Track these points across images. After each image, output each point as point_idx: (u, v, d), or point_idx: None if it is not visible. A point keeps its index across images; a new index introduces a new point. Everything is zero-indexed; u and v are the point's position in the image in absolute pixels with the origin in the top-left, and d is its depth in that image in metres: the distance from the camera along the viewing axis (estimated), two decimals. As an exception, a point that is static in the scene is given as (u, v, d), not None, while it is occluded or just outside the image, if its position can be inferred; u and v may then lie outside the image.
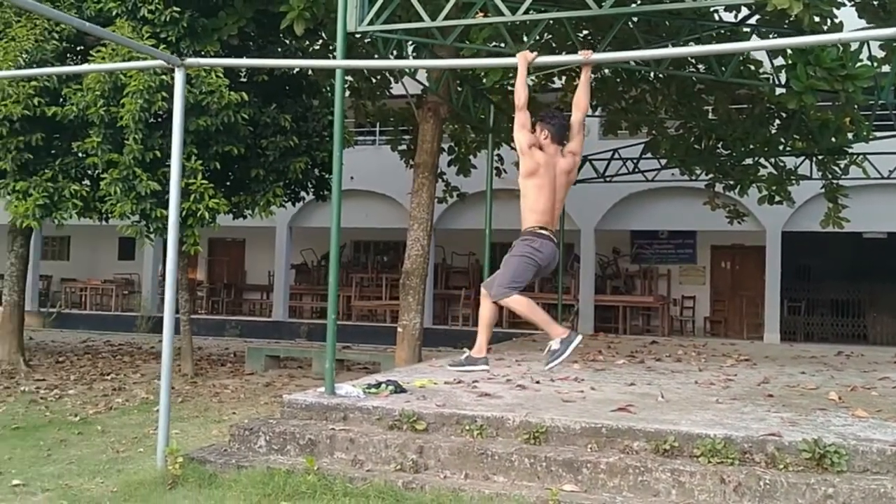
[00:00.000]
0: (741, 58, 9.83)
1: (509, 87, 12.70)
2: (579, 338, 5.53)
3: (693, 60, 11.00)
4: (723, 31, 9.67)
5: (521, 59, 5.54)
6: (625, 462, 5.25)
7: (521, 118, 5.51)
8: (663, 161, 15.10)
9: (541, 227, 5.55)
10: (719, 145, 14.02)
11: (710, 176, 15.12)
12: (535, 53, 5.69)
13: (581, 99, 5.61)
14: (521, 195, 5.61)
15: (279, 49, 12.01)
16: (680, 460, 5.28)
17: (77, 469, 6.30)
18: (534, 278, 5.78)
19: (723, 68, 9.44)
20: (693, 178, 15.29)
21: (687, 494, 5.07)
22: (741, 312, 19.19)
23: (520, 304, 5.56)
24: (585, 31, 10.67)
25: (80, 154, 10.65)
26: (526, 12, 7.09)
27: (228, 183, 11.78)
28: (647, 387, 7.57)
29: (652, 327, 18.86)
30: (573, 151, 5.72)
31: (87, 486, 5.78)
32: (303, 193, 13.15)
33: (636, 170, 15.63)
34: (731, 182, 15.06)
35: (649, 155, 14.95)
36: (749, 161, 14.14)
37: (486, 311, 5.80)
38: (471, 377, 7.33)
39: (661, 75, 11.67)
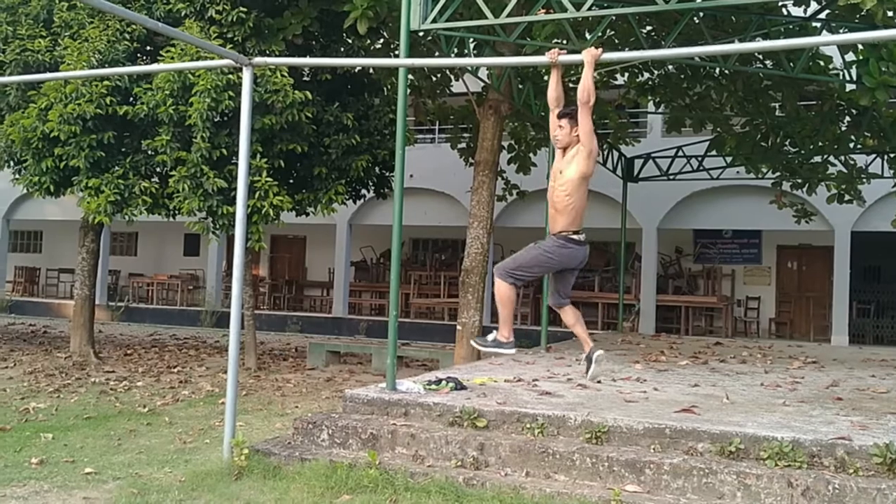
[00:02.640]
0: (810, 53, 9.60)
1: (571, 84, 12.63)
2: (512, 351, 5.77)
3: (760, 56, 10.77)
4: (791, 27, 9.45)
5: (589, 56, 5.50)
6: (689, 463, 5.17)
7: (590, 122, 5.51)
8: (728, 159, 14.83)
9: (576, 232, 5.66)
10: (787, 143, 13.71)
11: (777, 174, 14.80)
12: (601, 50, 5.65)
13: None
14: (567, 191, 5.62)
15: (342, 48, 12.15)
16: (746, 463, 5.19)
17: (146, 459, 6.47)
18: (540, 275, 5.84)
19: (791, 64, 9.23)
20: (759, 176, 14.98)
21: (753, 498, 4.97)
22: (808, 314, 18.74)
23: (502, 291, 5.59)
24: (649, 27, 10.55)
25: (149, 152, 10.92)
26: (590, 8, 7.03)
27: (292, 181, 11.96)
28: (711, 388, 7.45)
29: (715, 328, 18.53)
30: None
31: (156, 476, 5.93)
32: (363, 191, 13.28)
33: (700, 168, 15.39)
34: (799, 180, 14.73)
35: (714, 152, 14.69)
36: (818, 159, 13.80)
37: (500, 290, 5.74)
38: (530, 375, 7.32)
39: (727, 71, 11.46)
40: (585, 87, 5.50)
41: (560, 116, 5.72)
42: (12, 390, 9.66)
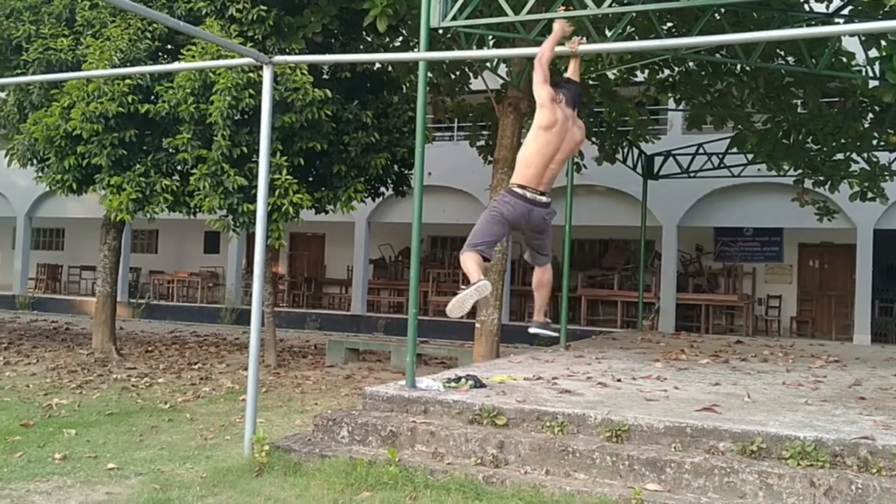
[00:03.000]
0: (833, 49, 9.51)
1: (591, 81, 12.59)
2: (485, 282, 5.19)
3: (782, 52, 10.68)
4: (813, 23, 9.37)
5: (558, 26, 5.50)
6: (710, 463, 5.15)
7: (544, 73, 5.34)
8: (750, 156, 14.71)
9: (519, 186, 5.29)
10: (809, 140, 13.59)
11: (799, 171, 14.68)
12: (573, 27, 5.63)
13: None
14: (525, 144, 5.37)
15: (361, 46, 12.17)
16: (768, 462, 5.16)
17: (168, 455, 6.52)
18: (508, 234, 5.57)
19: (814, 60, 9.14)
20: (781, 173, 14.86)
21: (775, 497, 4.94)
22: (829, 312, 18.56)
23: (465, 259, 5.32)
24: (670, 24, 10.48)
25: (170, 150, 10.99)
26: (610, 5, 7.00)
27: (311, 178, 12.00)
28: (732, 387, 7.41)
29: (735, 327, 18.41)
30: (581, 127, 5.57)
31: (177, 472, 5.97)
32: (382, 189, 13.30)
33: (721, 165, 15.29)
34: (821, 178, 14.60)
35: (735, 150, 14.59)
36: (840, 156, 13.68)
37: (464, 261, 5.43)
38: (550, 373, 7.28)
39: (748, 68, 11.37)
40: (543, 47, 5.42)
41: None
42: (35, 386, 9.76)
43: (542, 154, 5.29)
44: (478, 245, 5.34)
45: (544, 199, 5.36)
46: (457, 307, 5.28)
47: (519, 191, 5.30)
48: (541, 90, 5.34)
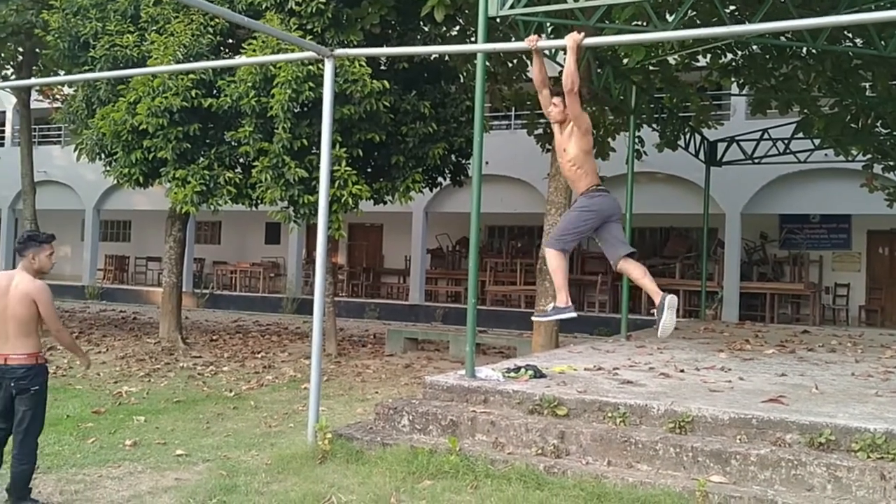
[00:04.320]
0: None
1: (651, 67, 12.39)
2: (573, 315, 5.85)
3: (850, 34, 10.36)
4: (883, 4, 9.05)
5: (571, 41, 5.60)
6: (777, 455, 5.05)
7: (578, 101, 5.78)
8: (816, 141, 14.33)
9: (598, 185, 5.89)
10: (878, 124, 13.19)
11: (868, 156, 14.26)
12: (583, 35, 5.77)
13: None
14: (580, 166, 5.88)
15: (418, 36, 12.19)
16: (836, 455, 5.04)
17: (234, 441, 6.66)
18: (587, 234, 6.01)
19: (883, 42, 8.84)
20: (849, 158, 14.44)
21: (844, 490, 4.83)
22: (900, 301, 18.02)
23: (553, 258, 5.85)
24: (733, 7, 10.24)
25: (233, 143, 11.17)
26: (671, -11, 6.87)
27: (370, 169, 12.08)
28: (799, 378, 7.25)
29: (802, 316, 17.99)
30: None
31: (243, 458, 6.10)
32: (440, 179, 13.32)
33: (787, 150, 14.92)
34: (891, 163, 14.15)
35: (801, 135, 14.22)
36: (911, 140, 13.24)
37: (551, 259, 5.97)
38: (610, 364, 7.23)
39: (814, 50, 11.06)
40: (569, 74, 5.66)
41: (554, 95, 5.95)
42: (106, 374, 10.06)
43: (593, 159, 6.08)
44: (564, 240, 5.93)
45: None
46: (539, 316, 6.17)
47: (602, 187, 5.92)
48: (585, 120, 5.88)
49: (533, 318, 5.88)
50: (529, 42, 5.86)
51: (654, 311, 5.63)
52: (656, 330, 5.69)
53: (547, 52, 9.55)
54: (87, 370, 5.00)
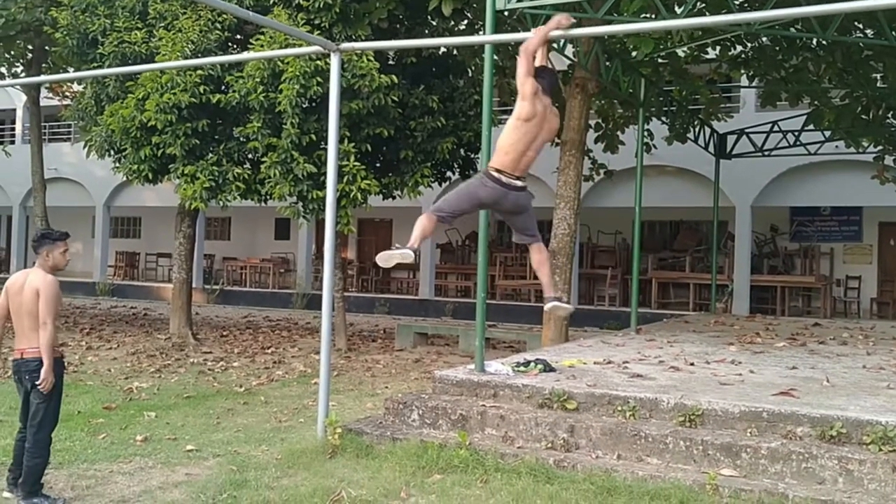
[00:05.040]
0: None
1: (660, 60, 12.34)
2: (407, 251, 5.50)
3: (860, 25, 10.27)
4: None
5: (555, 20, 5.53)
6: (787, 448, 5.03)
7: (529, 64, 5.43)
8: (827, 133, 14.24)
9: (497, 170, 5.43)
10: (889, 115, 13.09)
11: (879, 148, 14.15)
12: (573, 21, 5.70)
13: (531, 42, 5.50)
14: (505, 132, 5.47)
15: (426, 31, 12.16)
16: (848, 447, 5.02)
17: (244, 437, 6.68)
18: (465, 211, 5.64)
19: (894, 33, 8.77)
20: (860, 150, 14.35)
21: (855, 483, 4.81)
22: (912, 294, 17.91)
23: (422, 220, 5.58)
24: (742, -2, 10.18)
25: (241, 139, 11.19)
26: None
27: (378, 164, 12.08)
28: (810, 370, 7.22)
29: (813, 309, 17.91)
30: (557, 115, 5.68)
31: (253, 453, 6.11)
32: (448, 173, 13.30)
33: (797, 143, 14.83)
34: (903, 154, 14.06)
35: (811, 127, 14.13)
36: (923, 131, 13.15)
37: (420, 218, 5.70)
38: (620, 357, 7.19)
39: (824, 42, 10.98)
40: (532, 41, 5.47)
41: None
42: (116, 370, 10.10)
43: (521, 143, 5.43)
44: (442, 211, 5.56)
45: (519, 183, 5.50)
46: (383, 259, 5.64)
47: (496, 174, 5.43)
48: (525, 82, 5.42)
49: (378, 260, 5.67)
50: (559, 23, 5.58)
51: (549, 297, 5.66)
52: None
53: (556, 44, 9.54)
54: (42, 383, 4.91)
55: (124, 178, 13.17)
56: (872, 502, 4.62)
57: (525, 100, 5.40)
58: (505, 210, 5.65)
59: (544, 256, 5.82)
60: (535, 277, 19.18)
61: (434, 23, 12.16)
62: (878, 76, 12.52)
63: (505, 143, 5.43)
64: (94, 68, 11.86)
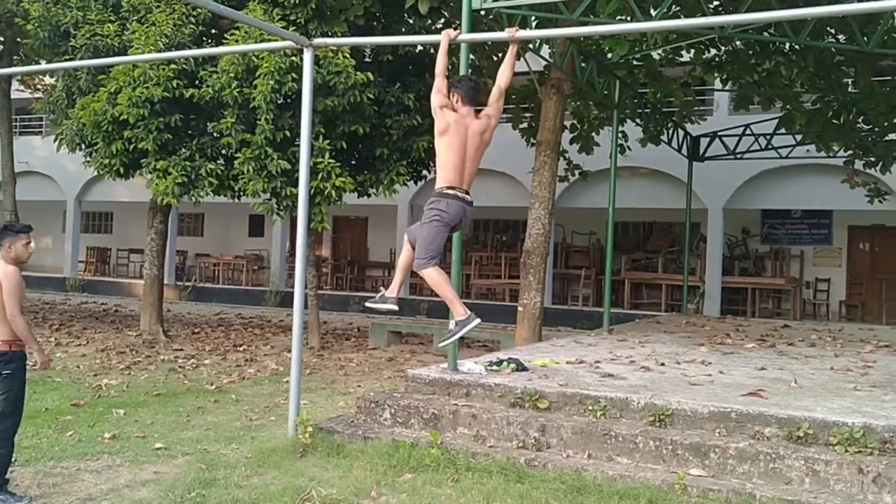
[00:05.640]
0: (886, 26, 9.23)
1: (635, 62, 12.42)
2: (476, 321, 5.53)
3: (832, 30, 10.40)
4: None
5: (445, 37, 5.84)
6: (755, 448, 5.08)
7: (439, 83, 5.65)
8: (798, 137, 14.41)
9: (448, 188, 5.53)
10: (860, 120, 13.28)
11: (850, 152, 14.36)
12: (458, 32, 5.99)
13: (505, 71, 5.73)
14: (437, 153, 5.65)
15: (403, 29, 12.14)
16: (814, 448, 5.08)
17: (214, 435, 6.63)
18: (446, 233, 5.65)
19: (866, 38, 8.90)
20: (830, 154, 14.54)
21: (822, 484, 4.87)
22: (880, 296, 18.15)
23: (431, 278, 5.55)
24: (717, 2, 10.27)
25: (215, 134, 11.10)
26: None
27: (354, 162, 12.04)
28: (778, 372, 7.30)
29: (783, 311, 18.12)
30: (489, 115, 5.73)
31: (223, 452, 6.07)
32: (424, 172, 13.29)
33: (769, 146, 14.99)
34: (873, 159, 14.28)
35: (783, 130, 14.29)
36: (892, 136, 13.32)
37: (405, 257, 5.80)
38: (592, 357, 7.24)
39: (797, 46, 11.11)
40: (438, 60, 5.72)
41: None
42: (86, 367, 9.98)
43: (454, 156, 5.54)
44: (434, 256, 5.56)
45: (469, 197, 5.62)
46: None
47: (451, 192, 5.52)
48: (434, 98, 5.66)
49: (366, 304, 5.77)
50: (509, 32, 5.87)
51: (453, 321, 5.67)
52: (444, 337, 5.91)
53: (531, 44, 9.59)
54: (40, 365, 4.95)
55: (95, 173, 13.02)
56: (838, 503, 4.67)
57: (435, 115, 5.63)
58: (456, 227, 5.73)
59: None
60: (511, 277, 19.21)
61: (411, 21, 12.14)
62: (850, 81, 12.70)
63: (442, 160, 5.59)
64: (66, 61, 11.72)
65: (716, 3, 10.28)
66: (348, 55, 10.34)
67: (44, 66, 12.96)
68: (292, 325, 6.41)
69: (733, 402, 5.62)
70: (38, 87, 18.46)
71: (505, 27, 8.50)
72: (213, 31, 12.01)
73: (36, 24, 12.20)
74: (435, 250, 5.56)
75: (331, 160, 10.43)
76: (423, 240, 5.59)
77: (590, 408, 5.82)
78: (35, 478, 5.31)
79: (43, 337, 12.49)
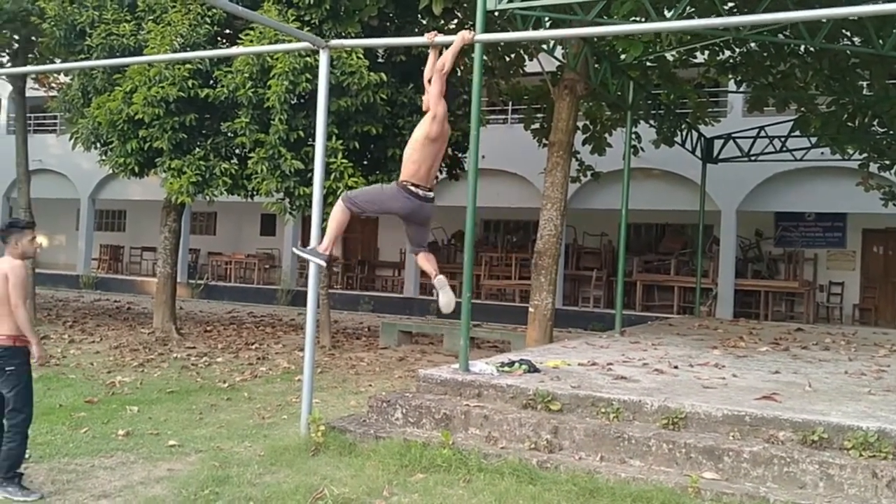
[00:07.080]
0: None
1: (649, 63, 12.38)
2: (323, 264, 5.95)
3: (848, 32, 10.34)
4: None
5: (459, 38, 5.97)
6: (769, 452, 5.06)
7: (443, 86, 5.77)
8: (813, 139, 14.34)
9: (413, 185, 5.74)
10: (875, 123, 13.21)
11: (864, 155, 14.28)
12: (473, 34, 6.09)
13: (446, 63, 5.84)
14: (413, 148, 5.77)
15: (416, 29, 12.14)
16: (829, 452, 5.06)
17: (227, 433, 6.65)
18: (375, 213, 6.07)
19: (881, 41, 8.84)
20: (845, 157, 14.47)
21: (836, 488, 4.85)
22: (894, 300, 18.06)
23: (337, 210, 5.82)
24: (731, 3, 10.23)
25: (229, 134, 11.14)
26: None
27: (366, 162, 12.05)
28: (792, 375, 7.27)
29: (796, 314, 18.03)
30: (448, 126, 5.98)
31: (236, 450, 6.09)
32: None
33: (783, 148, 14.92)
34: (887, 162, 14.18)
35: (798, 133, 14.23)
36: (908, 139, 13.26)
37: (335, 211, 5.90)
38: (605, 359, 7.22)
39: (812, 48, 11.06)
40: (443, 59, 5.84)
41: (428, 82, 5.96)
42: (99, 364, 10.03)
43: (429, 159, 5.77)
44: (357, 205, 5.87)
45: (432, 195, 5.87)
46: (298, 253, 6.08)
47: (413, 188, 5.74)
48: (439, 104, 5.75)
49: (293, 249, 6.14)
50: (429, 37, 6.10)
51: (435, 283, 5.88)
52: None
53: (545, 45, 9.58)
54: (38, 359, 5.00)
55: (110, 171, 13.09)
56: (852, 507, 4.65)
57: (436, 120, 5.71)
58: (415, 222, 5.97)
59: (431, 255, 6.18)
60: (521, 277, 19.17)
61: (424, 22, 12.14)
62: (865, 84, 12.63)
63: (416, 158, 5.74)
64: (82, 60, 11.78)
65: (730, 4, 10.24)
66: (362, 56, 10.36)
67: (59, 65, 13.04)
68: (304, 323, 6.43)
69: (747, 406, 5.60)
70: (53, 85, 18.55)
71: (518, 28, 8.53)
72: (228, 31, 12.05)
73: (52, 23, 12.26)
74: (364, 204, 5.91)
75: (343, 160, 10.46)
76: (368, 191, 6.12)
77: (602, 410, 5.81)
78: (49, 474, 5.35)
79: (56, 334, 12.57)
